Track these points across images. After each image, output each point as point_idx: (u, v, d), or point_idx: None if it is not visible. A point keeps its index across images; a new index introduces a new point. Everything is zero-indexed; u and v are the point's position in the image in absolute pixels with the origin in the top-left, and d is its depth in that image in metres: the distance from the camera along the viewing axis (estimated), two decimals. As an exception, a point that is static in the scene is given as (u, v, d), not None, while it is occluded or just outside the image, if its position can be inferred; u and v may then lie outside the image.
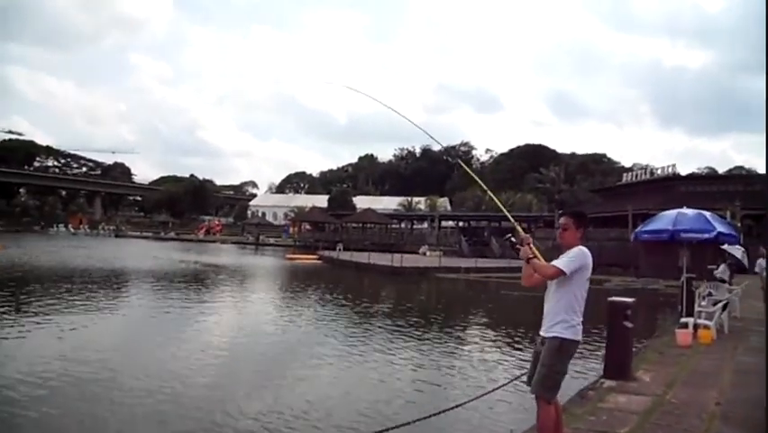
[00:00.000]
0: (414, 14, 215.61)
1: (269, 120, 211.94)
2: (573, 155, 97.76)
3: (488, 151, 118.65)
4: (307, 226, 75.81)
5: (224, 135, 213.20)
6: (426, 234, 59.74)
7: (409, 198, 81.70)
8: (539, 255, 4.66)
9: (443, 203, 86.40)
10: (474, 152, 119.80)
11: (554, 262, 4.50)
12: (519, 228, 4.91)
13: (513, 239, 4.75)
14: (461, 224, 66.35)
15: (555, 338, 4.49)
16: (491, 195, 5.86)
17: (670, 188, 46.67)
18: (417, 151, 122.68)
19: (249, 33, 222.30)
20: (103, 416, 7.53)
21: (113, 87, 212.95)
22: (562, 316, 4.51)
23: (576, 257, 4.52)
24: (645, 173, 55.16)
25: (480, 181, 5.56)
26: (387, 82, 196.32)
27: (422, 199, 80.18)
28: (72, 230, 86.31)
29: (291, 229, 78.52)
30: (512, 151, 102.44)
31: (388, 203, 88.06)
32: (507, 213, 5.73)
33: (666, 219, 11.38)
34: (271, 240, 76.06)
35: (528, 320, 12.74)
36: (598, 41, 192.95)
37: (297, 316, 17.40)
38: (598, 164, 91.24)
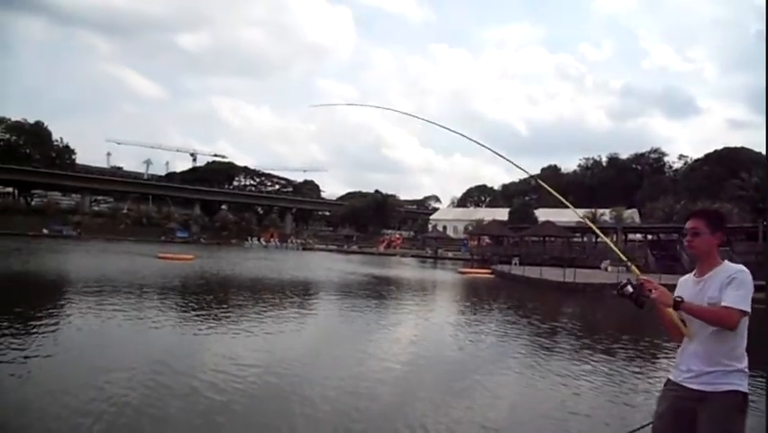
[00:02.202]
0: (593, 20, 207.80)
1: (451, 135, 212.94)
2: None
3: (681, 157, 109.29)
4: (487, 240, 74.42)
5: (407, 152, 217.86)
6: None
7: (593, 210, 77.28)
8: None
9: (632, 214, 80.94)
10: (666, 159, 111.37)
11: (726, 302, 3.17)
12: (634, 267, 3.60)
13: (630, 288, 3.34)
14: (650, 237, 61.53)
15: (737, 393, 3.21)
16: (578, 213, 4.59)
17: None
18: (604, 160, 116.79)
19: (426, 52, 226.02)
20: (282, 421, 7.68)
21: (303, 109, 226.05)
22: (738, 362, 3.25)
23: (749, 286, 3.21)
24: None
25: (559, 196, 4.32)
26: (567, 90, 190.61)
27: (606, 211, 75.63)
28: (264, 243, 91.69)
29: (470, 243, 77.54)
30: (708, 156, 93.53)
31: (572, 215, 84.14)
32: (602, 236, 4.49)
33: None
34: (450, 254, 75.65)
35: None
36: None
37: (466, 330, 17.12)
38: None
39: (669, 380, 3.52)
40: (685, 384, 3.35)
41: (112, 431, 6.82)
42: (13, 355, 10.07)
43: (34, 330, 12.61)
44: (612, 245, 4.67)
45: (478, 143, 4.99)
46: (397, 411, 8.31)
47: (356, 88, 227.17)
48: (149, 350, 11.46)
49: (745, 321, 3.23)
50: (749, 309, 3.17)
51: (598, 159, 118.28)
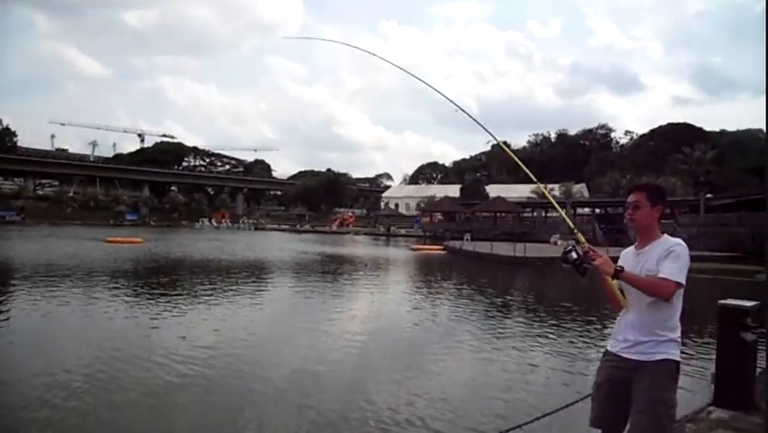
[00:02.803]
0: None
1: (401, 113, 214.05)
2: (723, 133, 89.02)
3: (627, 133, 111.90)
4: (439, 217, 74.97)
5: (358, 129, 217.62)
6: (559, 222, 56.83)
7: (543, 186, 78.38)
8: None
9: (580, 189, 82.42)
10: (613, 135, 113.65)
11: (663, 274, 3.28)
12: (581, 236, 3.64)
13: (575, 254, 3.40)
14: (597, 210, 62.90)
15: (667, 361, 3.32)
16: (535, 180, 4.61)
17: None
18: (553, 136, 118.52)
19: (376, 30, 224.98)
20: (244, 398, 7.73)
21: (252, 88, 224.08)
22: (671, 332, 3.36)
23: (685, 259, 3.34)
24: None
25: (520, 163, 4.38)
26: (516, 68, 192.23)
27: (556, 186, 76.85)
28: (215, 224, 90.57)
29: (423, 220, 77.98)
30: (653, 131, 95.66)
31: (523, 191, 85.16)
32: (556, 205, 4.70)
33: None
34: (402, 231, 75.99)
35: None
36: (749, 2, 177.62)
37: (420, 306, 17.16)
38: (754, 142, 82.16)
39: (606, 350, 3.62)
40: (621, 354, 3.45)
41: (69, 420, 6.76)
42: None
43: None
44: (564, 215, 4.78)
45: (448, 99, 4.90)
46: (355, 388, 8.40)
47: (306, 66, 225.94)
48: (102, 336, 11.25)
49: (680, 294, 3.35)
50: (684, 282, 3.29)
51: (547, 135, 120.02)
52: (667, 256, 3.34)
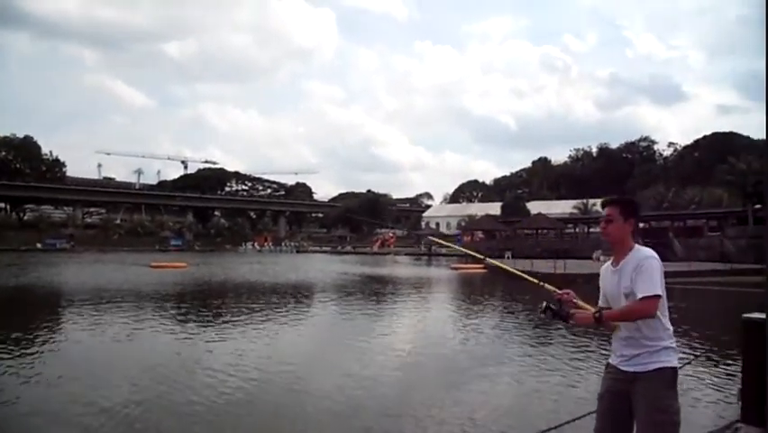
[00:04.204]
0: (575, 11, 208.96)
1: (440, 132, 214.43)
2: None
3: (670, 144, 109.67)
4: (480, 235, 74.59)
5: (397, 150, 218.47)
6: (601, 238, 55.84)
7: (585, 201, 77.58)
8: (584, 304, 3.52)
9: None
10: (656, 147, 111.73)
11: (639, 291, 3.29)
12: (549, 286, 3.68)
13: (552, 306, 3.53)
14: (641, 225, 61.86)
15: (664, 370, 3.33)
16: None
17: None
18: (594, 150, 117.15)
19: (411, 50, 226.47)
20: (291, 418, 7.91)
21: (291, 112, 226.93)
22: (662, 340, 3.37)
23: (656, 270, 3.33)
24: None
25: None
26: (553, 82, 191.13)
27: (598, 201, 75.77)
28: (258, 247, 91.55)
29: (464, 239, 77.59)
30: (698, 142, 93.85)
31: (564, 207, 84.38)
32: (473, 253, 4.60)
33: None
34: (443, 250, 75.62)
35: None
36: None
37: (464, 324, 17.36)
38: (804, 150, 79.82)
39: (608, 363, 3.65)
40: (620, 367, 3.48)
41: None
42: (18, 377, 9.96)
43: (35, 348, 12.62)
44: (514, 271, 4.52)
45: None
46: (401, 407, 8.49)
47: (343, 89, 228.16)
48: (149, 359, 11.50)
49: (663, 301, 3.34)
50: (660, 292, 3.28)
51: (588, 149, 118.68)
52: (638, 274, 3.34)
